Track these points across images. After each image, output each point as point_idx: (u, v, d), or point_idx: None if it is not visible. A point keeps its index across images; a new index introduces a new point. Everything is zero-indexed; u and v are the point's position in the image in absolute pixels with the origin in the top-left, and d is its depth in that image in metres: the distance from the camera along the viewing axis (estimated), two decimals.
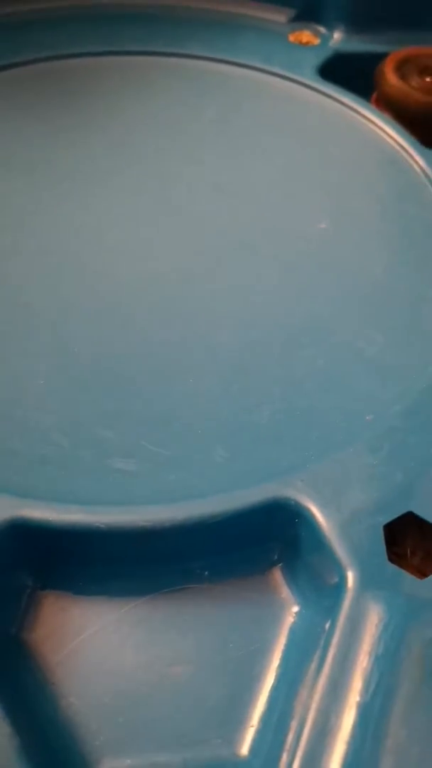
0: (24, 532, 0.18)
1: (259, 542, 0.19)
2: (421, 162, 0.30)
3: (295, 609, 0.19)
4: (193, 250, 0.26)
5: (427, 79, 0.33)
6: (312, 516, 0.18)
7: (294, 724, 0.16)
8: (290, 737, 0.16)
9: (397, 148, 0.31)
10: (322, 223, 0.27)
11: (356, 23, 0.35)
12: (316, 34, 0.36)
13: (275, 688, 0.18)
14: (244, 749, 0.17)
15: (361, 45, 0.35)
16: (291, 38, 0.35)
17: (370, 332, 0.24)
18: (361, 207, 0.28)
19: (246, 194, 0.28)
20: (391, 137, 0.31)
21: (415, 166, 0.30)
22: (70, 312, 0.24)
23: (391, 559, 0.18)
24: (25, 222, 0.26)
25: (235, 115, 0.31)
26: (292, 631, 0.19)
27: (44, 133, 0.29)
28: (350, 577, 0.17)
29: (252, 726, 0.17)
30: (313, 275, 0.26)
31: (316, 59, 0.34)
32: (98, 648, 0.18)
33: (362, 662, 0.16)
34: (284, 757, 0.16)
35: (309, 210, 0.28)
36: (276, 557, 0.20)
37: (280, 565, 0.19)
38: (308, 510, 0.19)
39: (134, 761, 0.17)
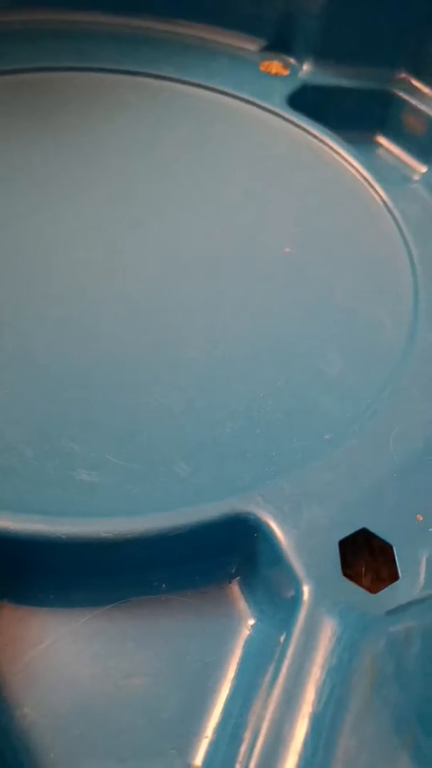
0: None
1: (218, 556, 0.20)
2: (383, 193, 0.31)
3: (251, 622, 0.19)
4: (160, 267, 0.27)
5: None
6: (270, 531, 0.19)
7: (248, 735, 0.17)
8: (244, 748, 0.16)
9: (360, 179, 0.32)
10: (287, 247, 0.28)
11: (324, 56, 0.37)
12: (286, 65, 0.37)
13: (230, 700, 0.18)
14: (198, 760, 0.17)
15: (329, 78, 0.37)
16: (261, 67, 0.36)
17: (330, 354, 0.25)
18: (324, 233, 0.29)
19: (213, 215, 0.29)
20: (354, 168, 0.32)
21: (377, 197, 0.31)
22: (37, 323, 0.24)
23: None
24: None
25: (204, 138, 0.32)
26: (248, 644, 0.19)
27: (14, 145, 0.30)
28: (306, 590, 0.18)
29: (206, 737, 0.17)
30: (277, 297, 0.27)
31: (285, 89, 0.35)
32: (55, 659, 0.18)
33: (315, 674, 0.17)
34: None
35: (274, 234, 0.29)
36: (234, 570, 0.20)
37: (237, 578, 0.20)
38: (267, 525, 0.19)
39: None
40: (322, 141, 0.33)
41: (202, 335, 0.25)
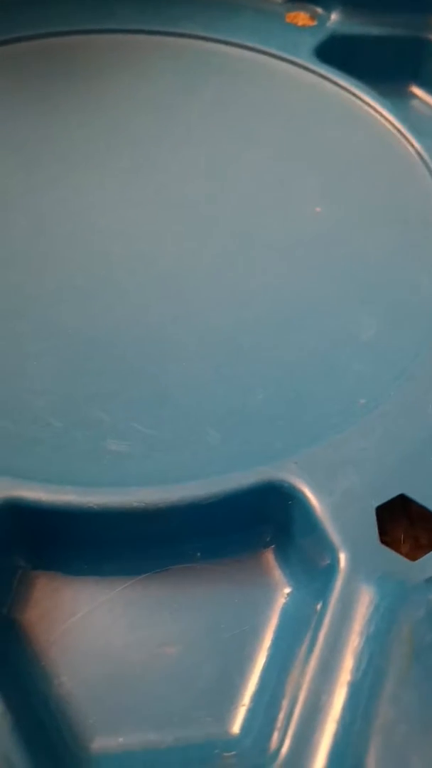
0: (17, 512, 0.17)
1: (251, 524, 0.19)
2: (419, 147, 0.29)
3: (287, 590, 0.19)
4: (187, 232, 0.26)
5: None
6: (305, 498, 0.18)
7: (285, 704, 0.16)
8: (281, 716, 0.16)
9: (395, 132, 0.31)
10: (318, 206, 0.27)
11: (353, 4, 0.35)
12: (313, 15, 0.35)
13: (266, 668, 0.18)
14: (236, 728, 0.17)
15: (358, 27, 0.35)
16: (287, 19, 0.35)
17: (364, 316, 0.24)
18: (356, 190, 0.28)
19: (241, 177, 0.28)
20: (387, 120, 0.31)
21: (412, 151, 0.30)
22: (64, 293, 0.23)
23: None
24: (17, 202, 0.26)
25: (231, 97, 0.31)
26: (284, 612, 0.19)
27: (38, 112, 0.29)
28: (342, 558, 0.18)
29: (243, 705, 0.17)
30: (307, 259, 0.26)
31: (312, 40, 0.34)
32: (90, 628, 0.18)
33: (353, 642, 0.16)
34: (275, 736, 0.16)
35: (304, 193, 0.28)
36: (268, 539, 0.20)
37: (272, 546, 0.20)
38: (301, 492, 0.19)
39: (126, 740, 0.17)
40: (353, 94, 0.31)
41: (231, 300, 0.24)
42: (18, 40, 0.32)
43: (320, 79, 0.32)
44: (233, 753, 0.16)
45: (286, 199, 0.27)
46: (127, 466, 0.19)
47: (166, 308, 0.24)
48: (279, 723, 0.16)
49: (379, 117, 0.31)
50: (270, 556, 0.20)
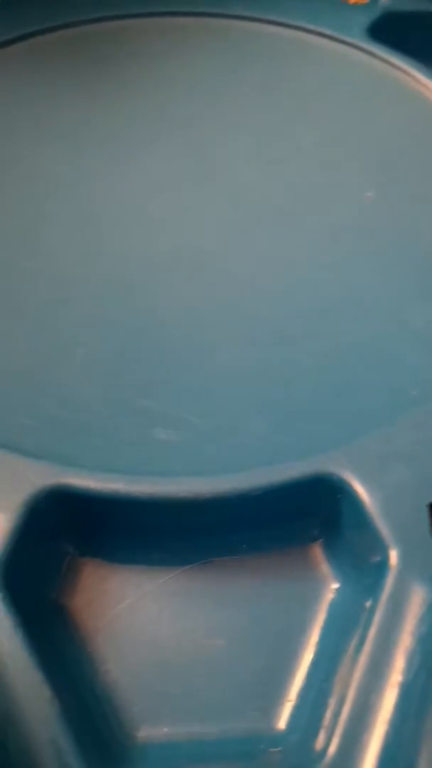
0: (66, 499, 0.18)
1: (299, 517, 0.19)
2: None
3: (335, 586, 0.19)
4: (235, 218, 0.25)
5: None
6: (354, 492, 0.18)
7: (332, 702, 0.16)
8: (328, 714, 0.16)
9: None
10: (369, 191, 0.26)
11: None
12: None
13: (314, 664, 0.17)
14: (282, 723, 0.17)
15: (411, 3, 0.34)
16: None
17: (417, 304, 0.23)
18: (410, 175, 0.27)
19: (290, 161, 0.27)
20: None
21: None
22: (111, 280, 0.23)
23: None
24: (64, 189, 0.26)
25: (280, 79, 0.30)
26: (332, 608, 0.18)
27: (83, 99, 0.29)
28: (393, 555, 0.17)
29: (290, 701, 0.17)
30: (358, 245, 0.25)
31: (365, 19, 0.32)
32: (136, 617, 0.18)
33: (405, 642, 0.16)
34: (322, 734, 0.16)
35: (356, 177, 0.27)
36: (316, 533, 0.19)
37: (320, 540, 0.19)
38: (351, 486, 0.18)
39: (171, 730, 0.17)
40: (407, 73, 0.30)
41: (279, 288, 0.24)
42: (63, 26, 0.32)
43: (373, 59, 0.31)
44: (279, 749, 0.16)
45: (336, 184, 0.27)
46: (174, 454, 0.19)
47: (213, 296, 0.23)
48: (326, 721, 0.16)
49: None
50: (318, 550, 0.19)
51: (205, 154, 0.27)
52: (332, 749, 0.15)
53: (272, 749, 0.16)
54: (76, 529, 0.18)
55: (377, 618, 0.16)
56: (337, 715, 0.16)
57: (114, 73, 0.30)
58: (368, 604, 0.17)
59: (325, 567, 0.19)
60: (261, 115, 0.29)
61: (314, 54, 0.32)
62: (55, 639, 0.17)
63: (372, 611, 0.17)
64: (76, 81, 0.30)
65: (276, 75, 0.31)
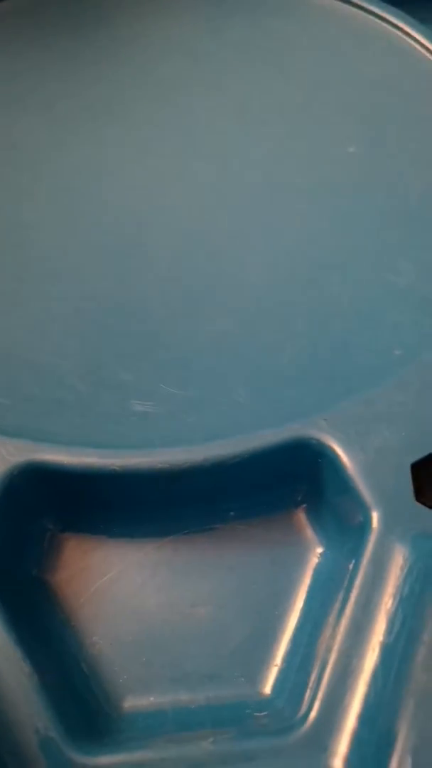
0: (40, 475, 0.17)
1: (282, 483, 0.19)
2: None
3: (320, 550, 0.18)
4: (214, 183, 0.25)
5: None
6: (336, 456, 0.18)
7: (317, 665, 0.16)
8: (313, 677, 0.16)
9: None
10: (351, 146, 0.26)
11: None
12: None
13: (299, 629, 0.17)
14: (267, 688, 0.17)
15: None
16: None
17: (401, 263, 0.23)
18: (394, 129, 0.26)
19: (270, 119, 0.26)
20: (429, 51, 0.29)
21: None
22: (87, 254, 0.23)
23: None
24: (39, 161, 0.25)
25: (262, 34, 0.29)
26: (317, 572, 0.18)
27: (59, 66, 0.28)
28: (375, 517, 0.17)
29: (275, 666, 0.17)
30: (341, 204, 0.24)
31: None
32: (121, 589, 0.18)
33: (386, 604, 0.16)
34: (306, 696, 0.16)
35: (337, 133, 0.26)
36: (300, 498, 0.19)
37: (303, 506, 0.19)
38: (332, 450, 0.18)
39: (157, 699, 0.17)
40: (392, 24, 0.29)
41: (260, 253, 0.23)
42: None
43: (357, 11, 0.30)
44: (265, 713, 0.16)
45: (318, 141, 0.26)
46: (152, 426, 0.19)
47: (193, 265, 0.23)
48: (311, 684, 0.16)
49: (422, 50, 0.29)
50: (302, 516, 0.19)
51: (186, 117, 0.27)
52: (314, 712, 0.15)
53: (258, 714, 0.16)
54: (55, 504, 0.18)
55: (358, 581, 0.16)
56: (320, 678, 0.15)
57: (89, 37, 0.30)
58: (351, 566, 0.17)
59: (309, 532, 0.19)
60: (242, 75, 0.28)
61: (297, 8, 0.31)
62: (37, 615, 0.17)
63: (354, 574, 0.16)
64: (50, 46, 0.29)
65: (256, 31, 0.30)
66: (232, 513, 0.19)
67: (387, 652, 0.15)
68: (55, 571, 0.18)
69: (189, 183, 0.25)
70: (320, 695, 0.15)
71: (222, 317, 0.21)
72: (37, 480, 0.17)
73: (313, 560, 0.18)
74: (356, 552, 0.17)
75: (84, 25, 0.30)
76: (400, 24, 0.29)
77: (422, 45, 0.29)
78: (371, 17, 0.30)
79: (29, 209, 0.24)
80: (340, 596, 0.17)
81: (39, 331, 0.21)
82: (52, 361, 0.20)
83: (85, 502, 0.18)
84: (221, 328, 0.21)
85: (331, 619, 0.17)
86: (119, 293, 0.22)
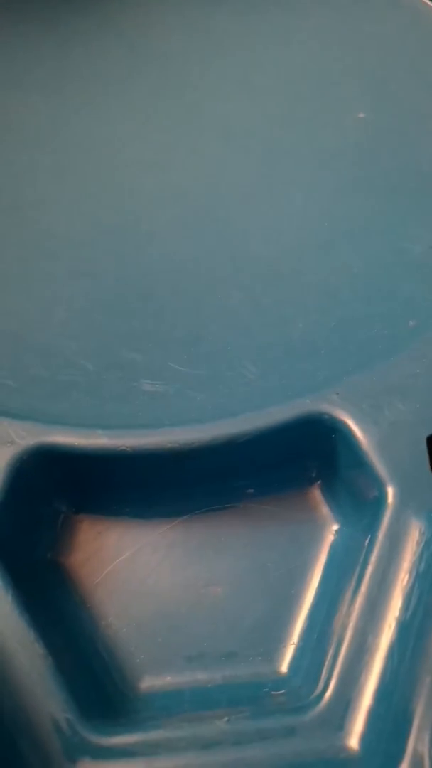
0: (51, 457, 0.17)
1: (295, 460, 0.18)
2: None
3: (335, 527, 0.18)
4: (219, 155, 0.24)
5: None
6: (349, 430, 0.17)
7: (334, 641, 0.16)
8: (329, 655, 0.16)
9: None
10: (360, 112, 0.25)
11: None
12: None
13: (315, 607, 0.17)
14: (284, 667, 0.17)
15: None
16: None
17: (414, 230, 0.22)
18: (403, 92, 0.25)
19: (274, 87, 0.26)
20: None
21: None
22: (92, 231, 0.23)
23: None
24: (40, 139, 0.25)
25: (262, 1, 0.28)
26: (333, 549, 0.18)
27: (54, 43, 0.28)
28: (390, 492, 0.16)
29: (292, 644, 0.17)
30: (350, 172, 0.24)
31: None
32: (135, 570, 0.18)
33: (402, 580, 0.15)
34: (324, 675, 0.15)
35: (345, 98, 0.25)
36: (314, 475, 0.19)
37: (318, 482, 0.19)
38: (345, 424, 0.17)
39: (174, 679, 0.17)
40: None
41: (267, 225, 0.22)
42: None
43: None
44: (282, 692, 0.16)
45: (325, 107, 0.25)
46: (161, 406, 0.19)
47: (200, 240, 0.22)
48: (327, 662, 0.16)
49: (427, 6, 0.27)
50: (317, 493, 0.19)
51: (187, 89, 0.26)
52: (330, 689, 0.15)
53: (275, 692, 0.16)
54: (67, 486, 0.18)
55: (374, 557, 0.16)
56: (336, 656, 0.15)
57: (84, 13, 0.29)
58: (367, 542, 0.17)
59: (324, 509, 0.18)
60: (243, 39, 0.27)
61: None
62: (51, 597, 0.17)
63: (369, 550, 0.16)
64: (46, 23, 0.29)
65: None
66: (245, 491, 0.19)
67: (403, 628, 0.14)
68: (68, 554, 0.18)
69: (193, 156, 0.24)
70: (336, 673, 0.15)
71: (230, 292, 0.21)
72: (48, 462, 0.17)
73: (329, 537, 0.18)
74: (372, 528, 0.17)
75: (80, 1, 0.29)
76: None
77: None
78: None
79: (31, 189, 0.24)
80: (356, 573, 0.16)
81: (45, 312, 0.21)
82: (59, 342, 0.20)
83: (97, 484, 0.18)
84: (229, 303, 0.21)
85: (348, 596, 0.16)
86: (125, 272, 0.22)
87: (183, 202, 0.23)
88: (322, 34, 0.27)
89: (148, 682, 0.17)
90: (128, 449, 0.17)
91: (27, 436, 0.17)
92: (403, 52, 0.27)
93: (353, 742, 0.14)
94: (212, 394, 0.19)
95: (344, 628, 0.15)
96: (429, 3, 0.27)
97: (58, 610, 0.17)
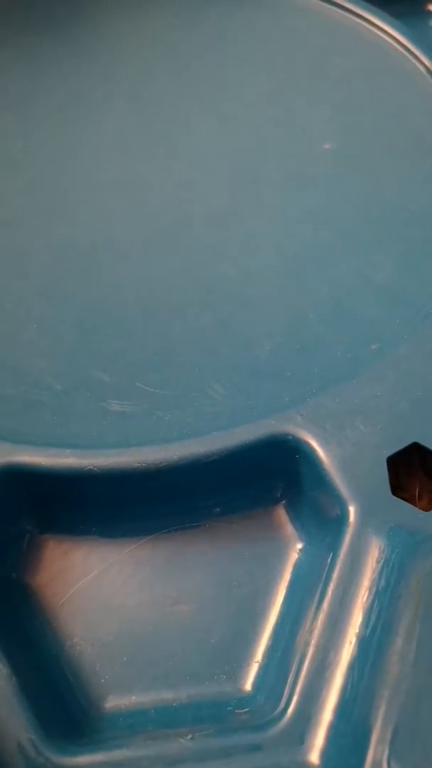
0: (18, 477, 0.17)
1: (260, 479, 0.19)
2: None
3: (300, 546, 0.18)
4: (189, 179, 0.25)
5: None
6: (312, 451, 0.18)
7: (296, 659, 0.16)
8: (292, 672, 0.16)
9: (410, 58, 0.28)
10: (327, 142, 0.26)
11: None
12: None
13: (279, 625, 0.17)
14: (248, 685, 0.17)
15: None
16: None
17: (377, 257, 0.23)
18: (369, 123, 0.26)
19: (245, 115, 0.27)
20: (402, 45, 0.29)
21: (428, 75, 0.28)
22: (63, 252, 0.23)
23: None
24: (13, 159, 0.25)
25: (232, 29, 0.29)
26: (297, 568, 0.18)
27: (29, 64, 0.28)
28: (352, 511, 0.17)
29: (256, 662, 0.17)
30: (317, 199, 0.24)
31: None
32: (101, 589, 0.18)
33: (362, 596, 0.16)
34: (286, 692, 0.16)
35: (312, 129, 0.26)
36: (279, 494, 0.19)
37: (283, 502, 0.19)
38: (308, 445, 0.18)
39: (138, 698, 0.17)
40: (362, 17, 0.29)
41: (235, 248, 0.23)
42: None
43: (328, 6, 0.30)
44: (246, 710, 0.16)
45: (292, 136, 0.26)
46: (129, 426, 0.19)
47: (168, 262, 0.23)
48: (289, 679, 0.16)
49: (391, 41, 0.29)
50: (281, 512, 0.19)
51: (157, 114, 0.27)
52: (292, 706, 0.15)
53: (239, 710, 0.16)
54: (33, 506, 0.18)
55: (336, 574, 0.16)
56: (298, 672, 0.16)
57: (60, 34, 0.29)
58: (329, 560, 0.17)
59: (289, 528, 0.19)
60: (213, 68, 0.28)
61: (266, 3, 0.31)
62: (16, 617, 0.17)
63: (331, 568, 0.16)
64: (19, 45, 0.29)
65: (227, 25, 0.30)
66: (211, 510, 0.19)
67: (363, 644, 0.15)
68: (34, 573, 0.18)
69: (163, 179, 0.25)
70: (298, 689, 0.15)
71: (197, 314, 0.21)
72: (15, 482, 0.17)
73: (294, 556, 0.18)
74: (334, 546, 0.17)
75: (54, 20, 0.30)
76: (368, 16, 0.29)
77: (391, 36, 0.29)
78: (340, 10, 0.30)
79: (1, 208, 0.24)
80: (319, 590, 0.17)
81: (14, 331, 0.21)
82: (28, 361, 0.20)
83: (64, 503, 0.18)
84: (197, 324, 0.21)
85: (311, 613, 0.17)
86: (94, 292, 0.22)
87: (153, 224, 0.24)
88: (291, 65, 0.28)
89: (113, 702, 0.17)
90: (95, 469, 0.17)
91: None
92: (369, 86, 0.28)
93: (314, 757, 0.14)
94: (179, 415, 0.19)
95: (306, 644, 0.16)
96: (392, 41, 0.28)
97: (23, 630, 0.17)
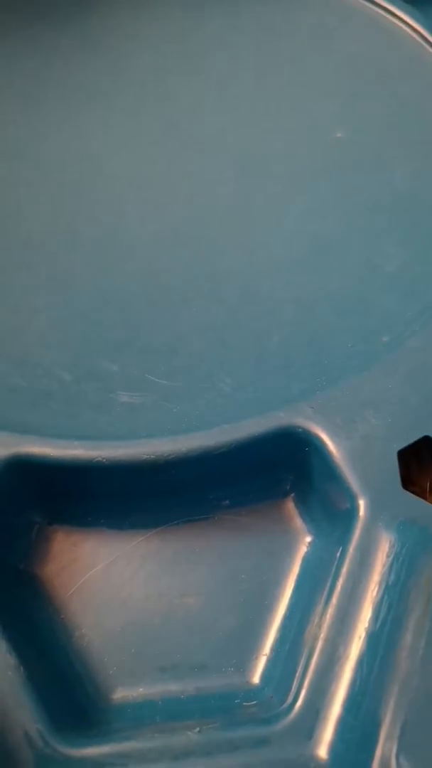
0: (26, 468, 0.17)
1: (269, 472, 0.19)
2: None
3: (308, 539, 0.18)
4: (198, 170, 0.25)
5: None
6: (322, 444, 0.18)
7: (305, 653, 0.16)
8: (301, 666, 0.16)
9: (424, 45, 0.28)
10: (338, 132, 0.25)
11: None
12: None
13: (288, 618, 0.17)
14: (256, 678, 0.17)
15: None
16: None
17: (389, 247, 0.23)
18: (381, 112, 0.26)
19: (254, 106, 0.26)
20: (416, 32, 0.28)
21: None
22: (71, 243, 0.23)
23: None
24: (21, 151, 0.25)
25: (239, 21, 0.29)
26: (306, 561, 0.18)
27: (37, 57, 0.28)
28: (362, 505, 0.17)
29: (264, 655, 0.17)
30: (327, 190, 0.24)
31: None
32: (110, 581, 0.18)
33: (372, 591, 0.15)
34: (294, 686, 0.16)
35: (323, 118, 0.26)
36: (288, 487, 0.19)
37: (292, 495, 0.19)
38: (318, 437, 0.18)
39: (147, 689, 0.17)
40: (376, 4, 0.29)
41: (246, 240, 0.23)
42: None
43: None
44: (253, 703, 0.16)
45: (303, 127, 0.26)
46: (138, 417, 0.19)
47: (178, 253, 0.23)
48: (298, 673, 0.16)
49: (406, 28, 0.28)
50: (290, 505, 0.19)
51: (166, 105, 0.26)
52: (300, 700, 0.15)
53: (247, 703, 0.16)
54: (41, 497, 0.18)
55: (345, 569, 0.16)
56: (307, 666, 0.15)
57: (66, 27, 0.29)
58: (338, 554, 0.17)
59: (298, 521, 0.19)
60: (223, 59, 0.28)
61: None
62: (24, 608, 0.17)
63: (340, 562, 0.16)
64: (27, 38, 0.29)
65: (234, 17, 0.29)
66: (220, 503, 0.19)
67: (372, 639, 0.15)
68: (43, 564, 0.18)
69: (172, 171, 0.25)
70: (306, 683, 0.15)
71: (207, 306, 0.21)
72: (23, 473, 0.17)
73: (303, 549, 0.18)
74: (344, 540, 0.17)
75: (60, 14, 0.30)
76: (383, 3, 0.29)
77: (405, 23, 0.28)
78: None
79: (10, 198, 0.24)
80: (328, 584, 0.17)
81: (22, 322, 0.21)
82: (37, 352, 0.20)
83: (72, 495, 0.18)
84: (207, 316, 0.21)
85: (320, 607, 0.17)
86: (103, 283, 0.22)
87: (162, 216, 0.23)
88: (302, 54, 0.28)
89: (121, 693, 0.17)
90: (104, 460, 0.17)
91: (2, 446, 0.17)
92: (381, 73, 0.27)
93: (322, 751, 0.14)
94: (188, 406, 0.19)
95: (315, 638, 0.16)
96: (406, 27, 0.28)
97: (31, 621, 0.17)
